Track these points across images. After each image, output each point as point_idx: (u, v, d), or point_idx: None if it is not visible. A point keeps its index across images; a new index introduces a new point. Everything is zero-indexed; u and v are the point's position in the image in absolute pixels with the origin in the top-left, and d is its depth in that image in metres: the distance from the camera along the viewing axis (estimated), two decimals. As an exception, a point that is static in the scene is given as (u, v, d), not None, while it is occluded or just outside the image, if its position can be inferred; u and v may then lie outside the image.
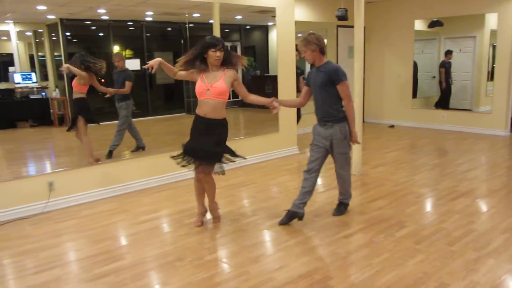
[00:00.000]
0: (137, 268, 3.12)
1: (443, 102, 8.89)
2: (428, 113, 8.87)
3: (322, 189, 4.99)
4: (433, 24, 8.68)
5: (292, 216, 3.81)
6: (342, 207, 4.09)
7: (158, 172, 5.20)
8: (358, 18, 5.17)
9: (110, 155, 5.31)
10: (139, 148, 5.65)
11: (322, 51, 3.64)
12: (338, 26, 8.80)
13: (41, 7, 6.03)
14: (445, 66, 8.68)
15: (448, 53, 8.64)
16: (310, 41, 3.57)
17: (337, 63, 8.97)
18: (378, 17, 9.20)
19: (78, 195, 4.60)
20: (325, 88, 3.65)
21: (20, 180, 4.39)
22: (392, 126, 9.06)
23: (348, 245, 3.39)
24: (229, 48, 8.16)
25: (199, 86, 3.52)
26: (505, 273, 2.89)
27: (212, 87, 3.47)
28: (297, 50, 7.48)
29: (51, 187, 4.43)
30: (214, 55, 3.46)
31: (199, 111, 3.55)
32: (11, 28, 6.48)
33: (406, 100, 9.09)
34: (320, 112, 3.76)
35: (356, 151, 5.32)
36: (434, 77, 9.04)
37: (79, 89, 5.24)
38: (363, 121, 9.64)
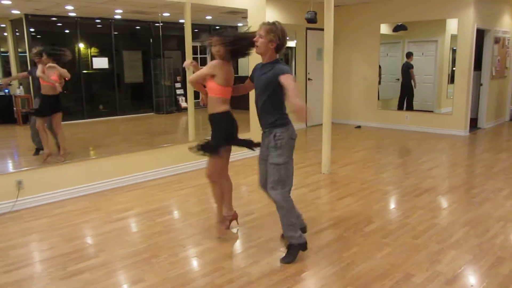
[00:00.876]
0: (112, 265, 3.13)
1: (409, 103, 9.20)
2: (392, 114, 9.18)
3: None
4: (397, 28, 9.00)
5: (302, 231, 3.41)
6: (290, 250, 3.19)
7: (129, 171, 5.19)
8: (328, 20, 5.33)
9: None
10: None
11: (278, 48, 3.09)
12: (307, 28, 8.99)
13: (6, 2, 5.87)
14: (413, 67, 9.01)
15: (410, 54, 8.97)
16: (274, 31, 3.03)
17: (306, 64, 9.25)
18: (346, 21, 9.45)
19: (49, 193, 4.54)
20: (269, 89, 3.07)
21: (-13, 179, 4.29)
22: (359, 126, 9.33)
23: (319, 240, 3.51)
24: (198, 47, 8.18)
25: None
26: (466, 263, 3.09)
27: None
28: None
29: (19, 185, 4.35)
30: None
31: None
32: (-27, 22, 6.29)
33: (371, 101, 9.38)
34: (260, 118, 3.26)
35: (325, 150, 5.48)
36: (398, 79, 9.36)
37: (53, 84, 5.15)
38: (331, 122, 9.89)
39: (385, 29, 9.15)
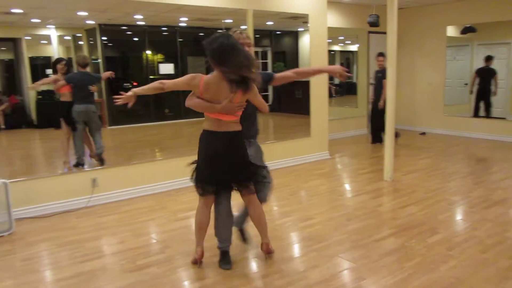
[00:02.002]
0: (176, 261, 3.29)
1: (487, 110, 8.64)
2: (460, 121, 8.78)
3: (353, 194, 5.06)
4: (466, 30, 8.60)
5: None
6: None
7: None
8: (391, 23, 5.23)
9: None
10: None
11: None
12: (370, 32, 8.85)
13: (82, 13, 6.33)
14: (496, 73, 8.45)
15: (490, 58, 8.36)
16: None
17: (368, 69, 9.08)
18: (410, 24, 9.19)
19: (119, 191, 4.84)
20: None
21: (67, 175, 4.67)
22: (424, 133, 9.01)
23: (379, 249, 3.46)
24: (259, 53, 8.31)
25: None
26: (539, 281, 2.92)
27: None
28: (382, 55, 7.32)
29: (94, 183, 4.67)
30: None
31: None
32: (52, 32, 6.81)
33: (437, 107, 9.03)
34: None
35: (387, 157, 5.37)
36: (467, 84, 8.95)
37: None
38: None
39: (452, 31, 8.79)
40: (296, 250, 3.51)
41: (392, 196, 4.88)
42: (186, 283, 2.99)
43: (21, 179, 4.36)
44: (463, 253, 3.36)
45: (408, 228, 3.89)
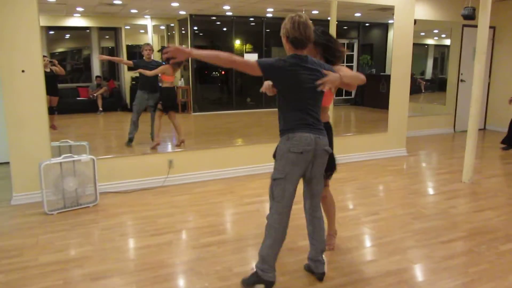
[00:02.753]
0: (237, 243, 3.44)
1: None
2: None
3: (425, 193, 4.86)
4: None
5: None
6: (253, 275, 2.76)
7: (265, 160, 5.52)
8: (483, 17, 4.88)
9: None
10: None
11: (291, 41, 2.63)
12: (464, 26, 8.29)
13: (175, 4, 6.73)
14: None
15: None
16: (284, 24, 2.65)
17: (459, 65, 8.53)
18: (511, 16, 8.43)
19: (192, 174, 5.14)
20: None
21: (147, 156, 5.06)
22: (518, 135, 8.26)
23: (444, 251, 3.32)
24: (345, 45, 8.21)
25: None
26: None
27: None
28: None
29: (170, 164, 5.01)
30: None
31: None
32: (148, 22, 7.34)
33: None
34: None
35: (468, 158, 5.07)
36: None
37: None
38: (484, 128, 8.98)
39: None
40: (355, 243, 3.49)
41: (468, 199, 4.60)
42: (241, 264, 3.13)
43: (108, 156, 4.82)
44: (539, 264, 3.11)
45: (480, 233, 3.66)
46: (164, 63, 5.82)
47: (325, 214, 3.22)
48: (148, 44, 5.98)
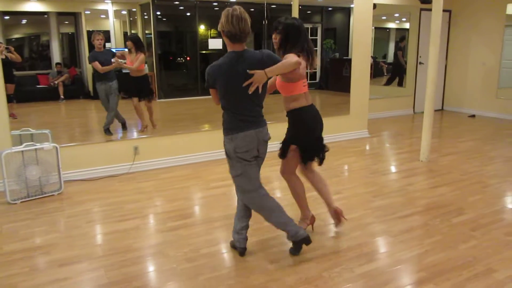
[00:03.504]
0: (204, 225, 3.52)
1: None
2: (514, 104, 8.36)
3: (384, 172, 5.07)
4: (529, 8, 8.09)
5: None
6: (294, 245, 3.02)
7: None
8: (437, 0, 5.07)
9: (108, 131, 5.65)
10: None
11: (227, 35, 2.71)
12: (422, 9, 8.54)
13: (137, -12, 6.60)
14: None
15: None
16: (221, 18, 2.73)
17: (417, 48, 8.81)
18: (467, 1, 8.75)
19: (158, 160, 5.15)
20: None
21: (111, 143, 5.03)
22: (473, 115, 8.67)
23: (402, 225, 3.51)
24: (309, 30, 8.27)
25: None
26: (560, 266, 2.87)
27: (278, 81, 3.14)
28: None
29: (136, 151, 5.00)
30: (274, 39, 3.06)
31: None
32: (109, 7, 7.16)
33: (490, 89, 8.62)
34: None
35: (424, 138, 5.30)
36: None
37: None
38: (442, 109, 9.35)
39: (512, 9, 8.29)
40: (318, 222, 3.61)
41: (425, 176, 4.84)
42: (208, 246, 3.21)
43: (72, 144, 4.76)
44: (487, 234, 3.34)
45: (434, 207, 3.88)
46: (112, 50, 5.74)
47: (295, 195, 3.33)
48: (99, 33, 5.87)
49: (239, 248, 3.02)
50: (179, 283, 2.68)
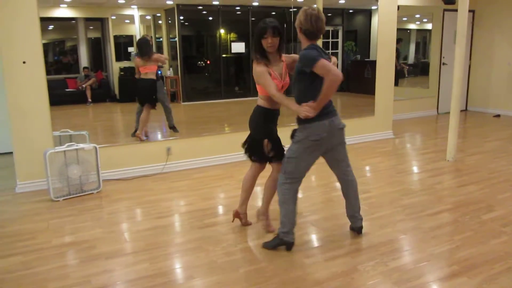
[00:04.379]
0: (238, 222, 3.65)
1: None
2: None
3: (411, 171, 5.13)
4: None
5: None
6: (275, 238, 3.19)
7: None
8: (463, 1, 5.12)
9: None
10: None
11: (306, 33, 2.91)
12: (445, 10, 8.56)
13: (163, -7, 6.81)
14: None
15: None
16: (298, 17, 2.92)
17: (441, 48, 8.82)
18: (490, 1, 8.73)
19: (190, 160, 5.32)
20: (296, 78, 3.03)
21: (145, 144, 5.22)
22: (498, 115, 8.63)
23: (431, 222, 3.59)
24: (330, 32, 8.38)
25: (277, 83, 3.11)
26: None
27: (285, 82, 3.20)
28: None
29: (168, 151, 5.19)
30: (266, 43, 3.05)
31: (273, 105, 3.23)
32: (135, 12, 7.39)
33: (516, 89, 8.59)
34: None
35: (451, 137, 5.35)
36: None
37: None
38: (466, 109, 9.33)
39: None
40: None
41: (453, 175, 4.89)
42: (245, 241, 3.34)
43: (107, 145, 4.96)
44: (517, 230, 3.40)
45: (463, 205, 3.95)
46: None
47: (268, 191, 3.47)
48: (145, 36, 6.08)
49: (356, 228, 3.34)
50: (222, 276, 2.82)
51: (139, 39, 6.64)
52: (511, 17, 8.46)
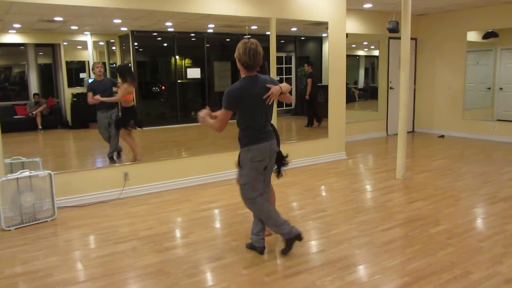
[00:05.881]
0: (198, 245, 3.68)
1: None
2: (479, 124, 8.90)
3: (364, 190, 5.36)
4: (488, 35, 8.73)
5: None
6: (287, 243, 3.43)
7: (216, 169, 5.80)
8: (405, 30, 5.51)
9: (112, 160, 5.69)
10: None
11: (243, 65, 3.15)
12: (390, 38, 9.10)
13: (117, 21, 6.83)
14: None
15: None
16: (237, 48, 3.13)
17: (387, 73, 9.34)
18: (431, 29, 9.39)
19: (148, 185, 5.29)
20: None
21: (102, 169, 5.16)
22: (442, 136, 9.18)
23: (384, 237, 3.77)
24: (283, 58, 8.67)
25: None
26: (528, 267, 3.17)
27: None
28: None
29: (126, 177, 5.14)
30: None
31: None
32: (88, 38, 7.35)
33: (456, 110, 9.18)
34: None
35: (399, 157, 5.65)
36: (489, 88, 9.05)
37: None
38: (413, 131, 9.84)
39: (474, 36, 8.93)
40: (306, 237, 3.83)
41: (402, 192, 5.15)
42: (205, 262, 3.37)
43: (62, 171, 4.86)
44: (462, 241, 3.63)
45: (413, 220, 4.17)
46: (117, 82, 5.87)
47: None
48: (98, 62, 6.02)
49: (259, 248, 3.44)
50: (183, 297, 2.83)
51: (118, 66, 6.58)
52: (450, 43, 9.12)
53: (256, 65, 3.14)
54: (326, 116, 7.04)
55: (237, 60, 3.15)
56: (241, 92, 3.13)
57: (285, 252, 3.42)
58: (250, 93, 3.13)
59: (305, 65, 8.41)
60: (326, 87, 7.07)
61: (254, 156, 3.20)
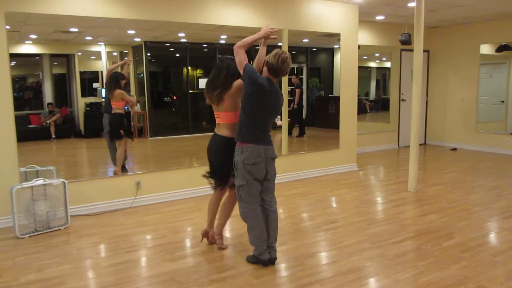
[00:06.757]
0: (211, 254, 3.69)
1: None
2: (492, 137, 8.81)
3: (376, 202, 5.33)
4: (501, 48, 8.69)
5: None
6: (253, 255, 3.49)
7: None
8: (418, 43, 5.51)
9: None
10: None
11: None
12: (402, 50, 9.10)
13: (131, 31, 6.94)
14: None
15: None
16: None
17: (399, 86, 9.32)
18: (444, 42, 9.38)
19: (160, 194, 5.33)
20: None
21: (114, 178, 5.20)
22: (455, 149, 9.10)
23: (396, 250, 3.74)
24: (295, 69, 8.69)
25: None
26: (544, 282, 3.12)
27: None
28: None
29: (138, 186, 5.18)
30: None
31: (233, 134, 3.56)
32: (102, 49, 7.48)
33: (469, 123, 9.11)
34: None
35: (411, 169, 5.62)
36: (503, 101, 8.98)
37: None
38: (425, 143, 9.78)
39: (487, 49, 8.90)
40: (318, 248, 3.83)
41: (414, 205, 5.11)
42: (217, 272, 3.38)
43: (75, 180, 4.92)
44: (475, 255, 3.59)
45: (425, 233, 4.14)
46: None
47: (223, 212, 3.79)
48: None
49: (268, 259, 3.42)
50: (194, 306, 2.84)
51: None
52: (462, 56, 9.09)
53: (280, 73, 3.25)
54: (336, 127, 7.03)
55: (264, 63, 3.26)
56: (262, 84, 3.17)
57: (249, 260, 3.49)
58: (265, 87, 3.19)
59: (293, 76, 8.36)
60: (337, 98, 7.08)
61: (247, 157, 3.22)
